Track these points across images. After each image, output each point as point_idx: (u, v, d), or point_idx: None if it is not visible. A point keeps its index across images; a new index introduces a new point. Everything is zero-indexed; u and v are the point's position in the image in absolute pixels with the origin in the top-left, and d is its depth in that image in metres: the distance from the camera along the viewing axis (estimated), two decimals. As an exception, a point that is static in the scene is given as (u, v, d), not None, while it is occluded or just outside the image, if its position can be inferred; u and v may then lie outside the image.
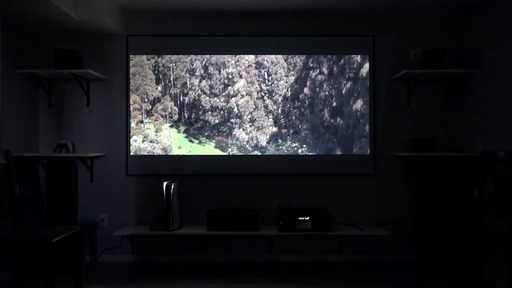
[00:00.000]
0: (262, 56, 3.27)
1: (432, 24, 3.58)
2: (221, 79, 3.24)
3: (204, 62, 3.27)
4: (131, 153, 3.53)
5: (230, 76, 3.27)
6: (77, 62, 3.34)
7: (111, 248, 3.53)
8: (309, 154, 3.54)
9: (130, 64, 3.44)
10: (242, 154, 3.53)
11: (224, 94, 3.29)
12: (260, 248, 3.55)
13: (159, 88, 3.34)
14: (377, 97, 3.57)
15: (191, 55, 3.30)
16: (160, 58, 3.32)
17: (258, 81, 3.28)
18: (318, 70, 3.29)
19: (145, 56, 3.42)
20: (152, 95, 3.37)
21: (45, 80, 3.50)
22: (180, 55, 3.30)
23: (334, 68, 3.29)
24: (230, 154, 3.49)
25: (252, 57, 3.29)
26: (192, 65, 3.25)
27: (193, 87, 3.28)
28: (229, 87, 3.27)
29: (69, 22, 3.19)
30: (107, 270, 3.33)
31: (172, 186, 3.26)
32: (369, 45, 3.55)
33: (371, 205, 3.58)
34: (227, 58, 3.26)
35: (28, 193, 3.38)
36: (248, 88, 3.28)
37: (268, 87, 3.28)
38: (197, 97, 3.33)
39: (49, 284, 2.32)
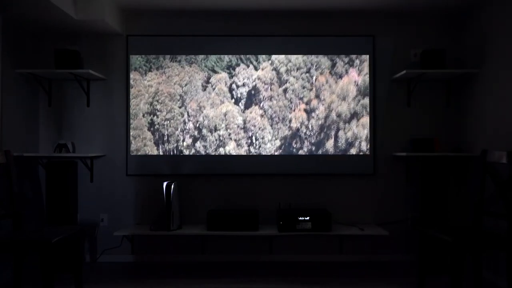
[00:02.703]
0: (250, 121, 3.53)
1: (432, 24, 3.58)
2: (213, 141, 3.52)
3: (198, 125, 3.53)
4: (131, 153, 3.54)
5: (221, 138, 3.53)
6: (77, 62, 3.34)
7: (111, 248, 3.53)
8: (309, 154, 3.54)
9: (131, 126, 3.55)
10: (242, 154, 3.54)
11: (216, 155, 3.54)
12: (260, 248, 3.55)
13: (154, 144, 3.55)
14: (377, 97, 3.57)
15: (184, 116, 3.53)
16: (155, 117, 3.53)
17: (247, 143, 3.54)
18: (299, 145, 3.55)
19: (141, 114, 3.54)
20: (151, 154, 3.56)
21: (45, 80, 3.50)
22: (174, 114, 3.53)
23: (313, 148, 3.55)
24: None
25: (240, 119, 3.53)
26: (185, 126, 3.52)
27: (186, 146, 3.54)
28: (220, 149, 3.54)
29: (69, 22, 3.19)
30: (107, 270, 3.33)
31: (172, 186, 3.26)
32: (369, 45, 3.55)
33: (371, 205, 3.58)
34: (217, 121, 3.51)
35: (28, 193, 3.38)
36: (238, 150, 3.53)
37: (256, 150, 3.53)
38: (192, 156, 3.56)
39: (49, 284, 2.32)
